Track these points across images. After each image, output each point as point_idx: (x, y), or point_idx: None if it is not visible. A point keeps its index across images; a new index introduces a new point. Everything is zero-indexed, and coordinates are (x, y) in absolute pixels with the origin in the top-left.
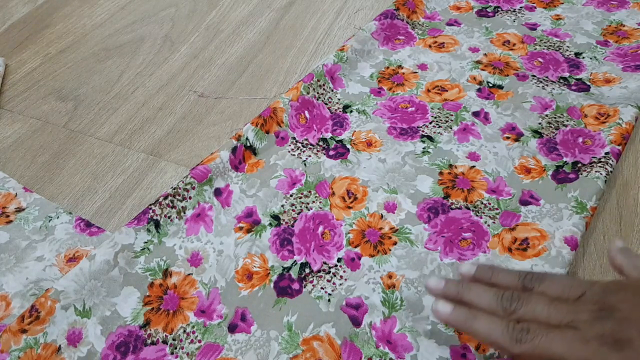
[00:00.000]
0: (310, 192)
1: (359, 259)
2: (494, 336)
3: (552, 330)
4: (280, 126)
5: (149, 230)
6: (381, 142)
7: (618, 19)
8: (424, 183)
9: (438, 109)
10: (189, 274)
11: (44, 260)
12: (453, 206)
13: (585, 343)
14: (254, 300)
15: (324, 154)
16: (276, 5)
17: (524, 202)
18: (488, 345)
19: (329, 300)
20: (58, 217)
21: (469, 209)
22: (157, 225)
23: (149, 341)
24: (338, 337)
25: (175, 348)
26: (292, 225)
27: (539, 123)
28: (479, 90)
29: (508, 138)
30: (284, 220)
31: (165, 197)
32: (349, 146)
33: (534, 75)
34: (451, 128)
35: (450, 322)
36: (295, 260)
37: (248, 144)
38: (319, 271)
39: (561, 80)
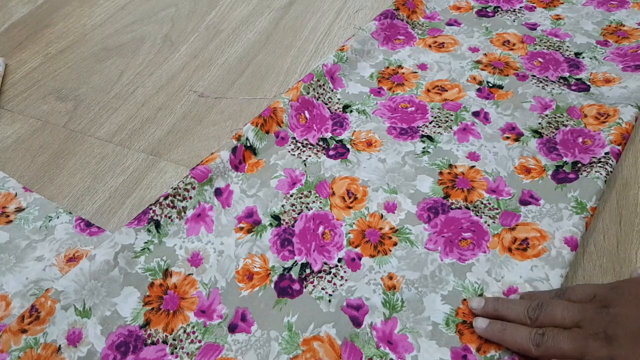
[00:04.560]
0: (310, 192)
1: (360, 259)
2: (519, 344)
3: (562, 331)
4: (280, 126)
5: (149, 231)
6: (381, 142)
7: (618, 19)
8: (424, 183)
9: (438, 108)
10: (189, 274)
11: (44, 260)
12: (453, 206)
13: (585, 339)
14: (254, 300)
15: (324, 154)
16: (276, 5)
17: (523, 202)
18: (519, 352)
19: (329, 300)
20: (58, 217)
21: (468, 208)
22: (157, 225)
23: (149, 341)
24: (338, 337)
25: (176, 348)
26: (293, 226)
27: (539, 123)
28: (478, 90)
29: (508, 138)
30: (284, 220)
31: (166, 197)
32: (348, 146)
33: (534, 75)
34: (451, 128)
35: (485, 335)
36: (295, 261)
37: (248, 144)
38: (319, 271)
39: (561, 80)
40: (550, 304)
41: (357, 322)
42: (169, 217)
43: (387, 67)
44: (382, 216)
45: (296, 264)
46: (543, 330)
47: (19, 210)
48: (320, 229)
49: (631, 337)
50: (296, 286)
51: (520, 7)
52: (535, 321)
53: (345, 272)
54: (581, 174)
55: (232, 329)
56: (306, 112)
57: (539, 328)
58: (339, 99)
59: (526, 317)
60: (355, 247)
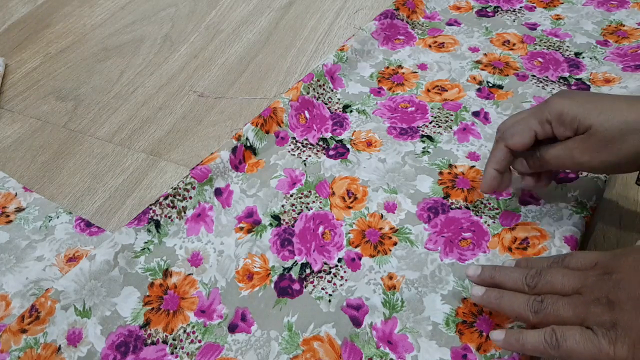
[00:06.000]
0: (310, 192)
1: (360, 259)
2: (516, 311)
3: (562, 298)
4: (280, 126)
5: (149, 230)
6: (381, 142)
7: (618, 19)
8: (424, 183)
9: (438, 108)
10: (189, 274)
11: (44, 260)
12: (453, 206)
13: (585, 305)
14: (254, 300)
15: (324, 154)
16: (276, 5)
17: (523, 202)
18: (515, 320)
19: (329, 300)
20: (58, 217)
21: (468, 208)
22: (157, 225)
23: (149, 341)
24: (338, 337)
25: (175, 348)
26: (293, 226)
27: None
28: (478, 90)
29: None
30: (284, 220)
31: (166, 197)
32: (348, 146)
33: (534, 75)
34: (451, 128)
35: (482, 303)
36: (295, 261)
37: (248, 144)
38: (319, 271)
39: (561, 80)
40: (549, 271)
41: (357, 322)
42: (169, 217)
43: (387, 67)
44: (382, 216)
45: (296, 264)
46: (542, 298)
47: (19, 210)
48: (320, 229)
49: (635, 302)
50: (296, 286)
51: (520, 7)
52: (534, 289)
53: (345, 272)
54: (581, 174)
55: (232, 329)
56: (306, 112)
57: (537, 295)
58: (339, 99)
59: (524, 285)
60: (355, 247)
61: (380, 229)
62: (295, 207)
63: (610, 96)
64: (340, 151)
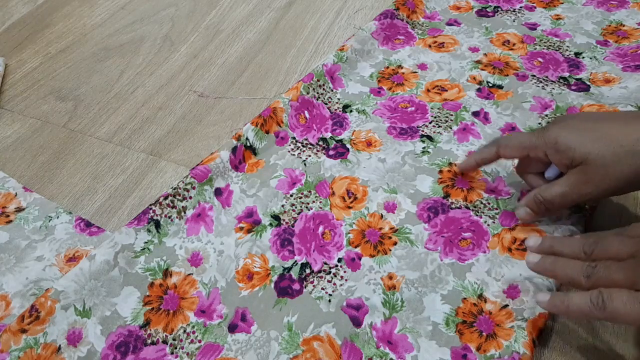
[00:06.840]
0: (310, 192)
1: (359, 259)
2: (569, 276)
3: (615, 263)
4: (280, 126)
5: (149, 230)
6: (381, 141)
7: (618, 19)
8: (424, 183)
9: (438, 108)
10: (189, 274)
11: (44, 260)
12: (453, 205)
13: (637, 268)
14: (254, 300)
15: (324, 154)
16: (276, 5)
17: None
18: (569, 286)
19: (329, 300)
20: (58, 217)
21: (468, 208)
22: (157, 225)
23: (149, 341)
24: (338, 337)
25: (175, 348)
26: (293, 225)
27: (539, 123)
28: (478, 90)
29: None
30: (284, 220)
31: (166, 197)
32: (348, 146)
33: (534, 75)
34: (451, 128)
35: (536, 269)
36: (295, 261)
37: (248, 144)
38: (319, 271)
39: (561, 80)
40: (607, 239)
41: (357, 322)
42: (169, 217)
43: (387, 67)
44: (382, 216)
45: (296, 264)
46: (596, 263)
47: (19, 210)
48: (320, 228)
49: None
50: (296, 286)
51: (520, 7)
52: (590, 255)
53: (345, 272)
54: None
55: (232, 329)
56: (306, 112)
57: (592, 261)
58: (338, 99)
59: (581, 252)
60: (355, 247)
61: (380, 228)
62: (295, 207)
63: (605, 121)
64: (340, 151)
